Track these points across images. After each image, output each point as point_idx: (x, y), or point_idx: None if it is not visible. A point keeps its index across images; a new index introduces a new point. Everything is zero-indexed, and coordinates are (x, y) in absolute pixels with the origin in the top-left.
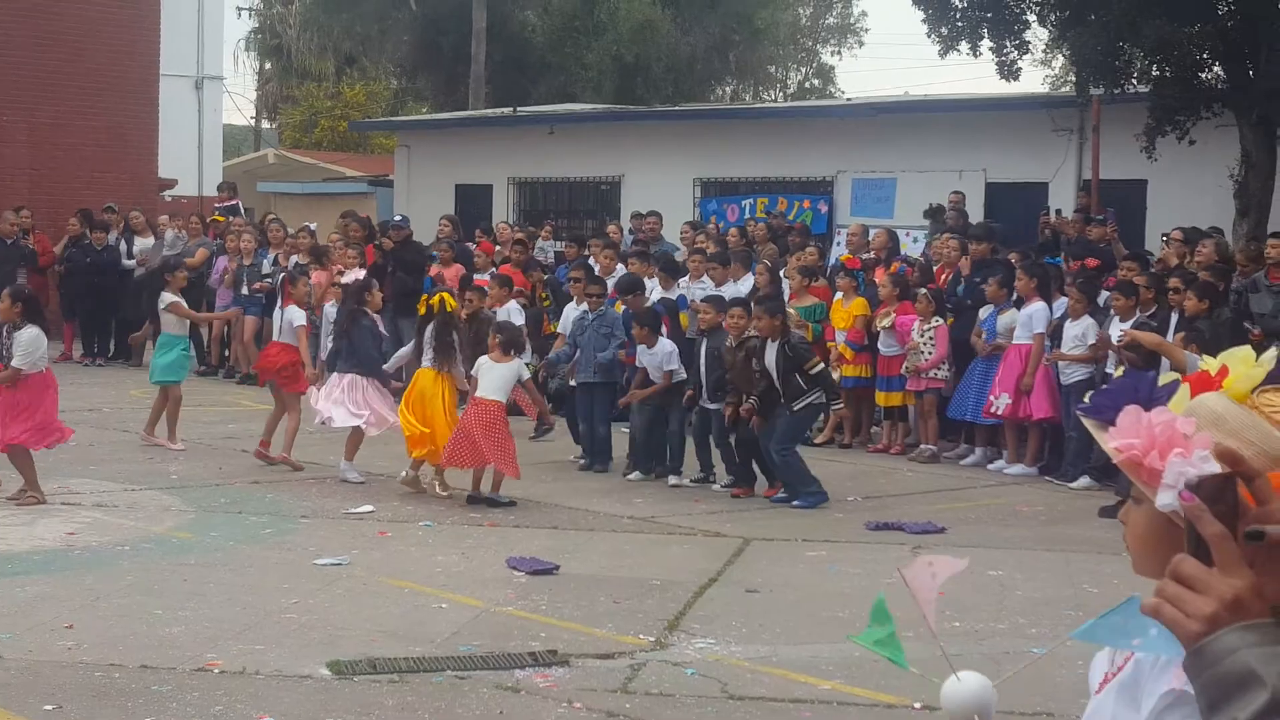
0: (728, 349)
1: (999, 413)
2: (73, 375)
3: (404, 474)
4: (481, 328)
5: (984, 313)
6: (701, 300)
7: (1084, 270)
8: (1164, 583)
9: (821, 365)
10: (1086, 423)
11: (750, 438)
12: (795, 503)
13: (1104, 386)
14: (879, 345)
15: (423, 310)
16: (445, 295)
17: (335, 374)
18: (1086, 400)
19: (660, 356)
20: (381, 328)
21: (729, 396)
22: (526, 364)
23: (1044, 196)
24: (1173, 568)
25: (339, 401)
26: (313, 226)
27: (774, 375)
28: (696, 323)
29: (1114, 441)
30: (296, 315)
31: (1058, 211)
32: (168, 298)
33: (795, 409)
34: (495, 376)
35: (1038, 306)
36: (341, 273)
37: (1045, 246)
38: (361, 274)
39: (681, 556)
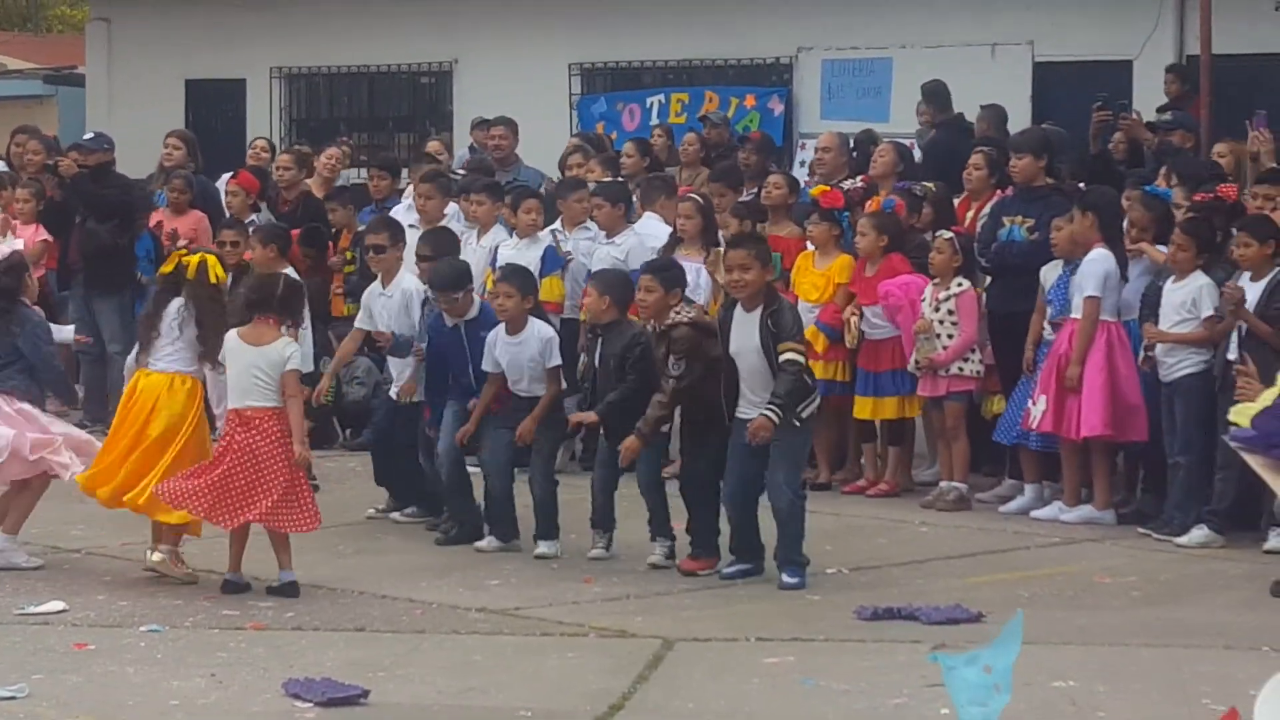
0: (656, 336)
1: (1036, 426)
2: None
3: (150, 555)
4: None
5: (1049, 272)
6: (590, 280)
7: (1204, 204)
8: None
9: (800, 356)
10: (1252, 461)
11: (701, 473)
12: (785, 578)
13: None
14: (861, 325)
15: (168, 269)
16: (208, 256)
17: None
18: (1243, 424)
19: (533, 345)
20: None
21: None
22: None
23: (1126, 83)
24: None
25: None
26: None
27: (762, 360)
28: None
29: None
30: None
31: (1123, 106)
32: None
33: (803, 415)
34: (252, 368)
35: (1093, 256)
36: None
37: (1101, 162)
38: (19, 239)
39: (566, 671)
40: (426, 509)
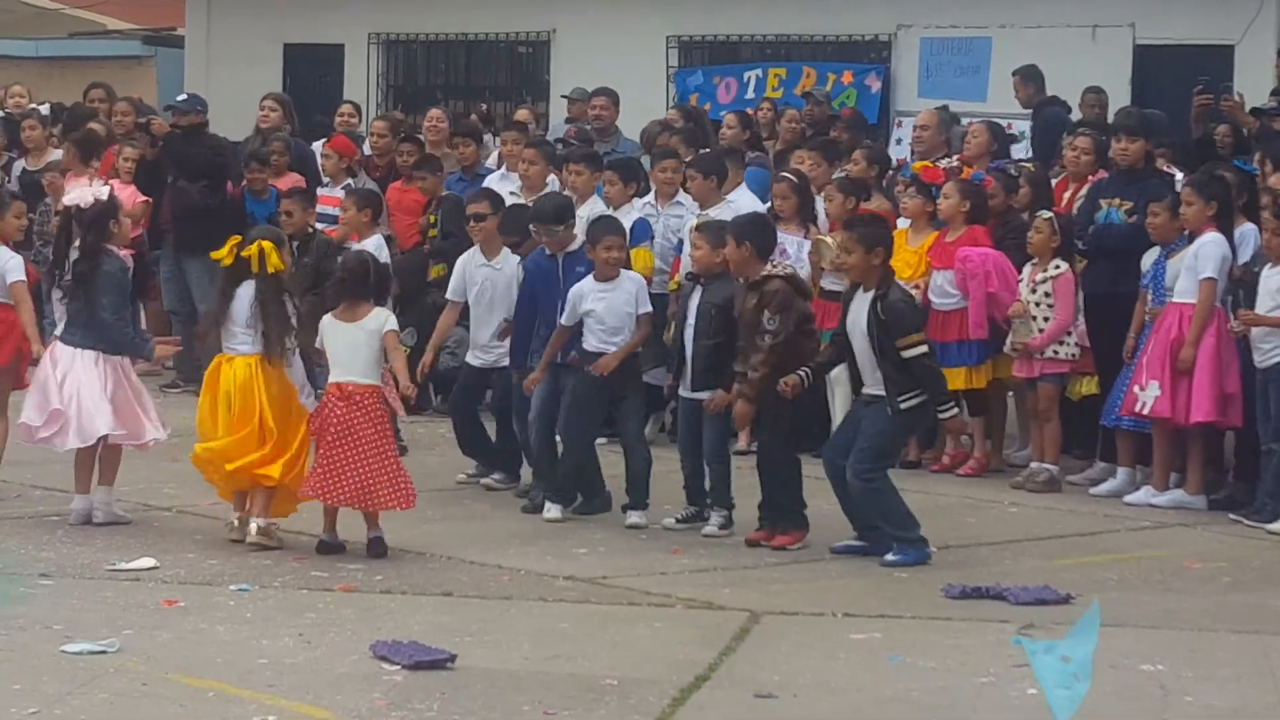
0: (745, 290)
1: (1145, 411)
2: None
3: (239, 524)
4: (320, 270)
5: (1149, 259)
6: (697, 232)
7: None
8: None
9: (925, 347)
10: None
11: (778, 445)
12: (890, 556)
13: None
14: (929, 293)
15: (229, 261)
16: (266, 245)
17: (61, 346)
18: None
19: (627, 288)
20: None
21: (741, 371)
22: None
23: (1228, 68)
24: None
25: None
26: (44, 109)
27: (867, 344)
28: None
29: None
30: (10, 264)
31: (1225, 88)
32: None
33: (902, 406)
34: (355, 343)
35: (1208, 239)
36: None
37: (1204, 146)
38: (105, 190)
39: (652, 641)
40: (511, 475)
